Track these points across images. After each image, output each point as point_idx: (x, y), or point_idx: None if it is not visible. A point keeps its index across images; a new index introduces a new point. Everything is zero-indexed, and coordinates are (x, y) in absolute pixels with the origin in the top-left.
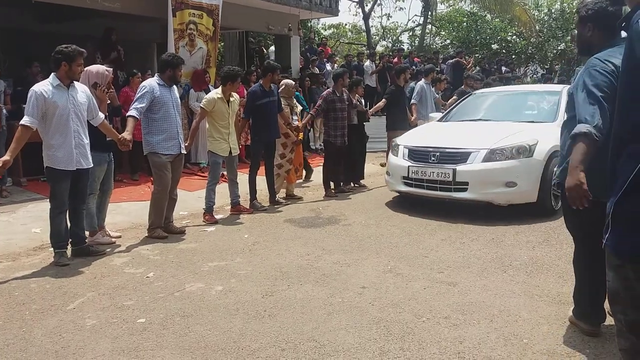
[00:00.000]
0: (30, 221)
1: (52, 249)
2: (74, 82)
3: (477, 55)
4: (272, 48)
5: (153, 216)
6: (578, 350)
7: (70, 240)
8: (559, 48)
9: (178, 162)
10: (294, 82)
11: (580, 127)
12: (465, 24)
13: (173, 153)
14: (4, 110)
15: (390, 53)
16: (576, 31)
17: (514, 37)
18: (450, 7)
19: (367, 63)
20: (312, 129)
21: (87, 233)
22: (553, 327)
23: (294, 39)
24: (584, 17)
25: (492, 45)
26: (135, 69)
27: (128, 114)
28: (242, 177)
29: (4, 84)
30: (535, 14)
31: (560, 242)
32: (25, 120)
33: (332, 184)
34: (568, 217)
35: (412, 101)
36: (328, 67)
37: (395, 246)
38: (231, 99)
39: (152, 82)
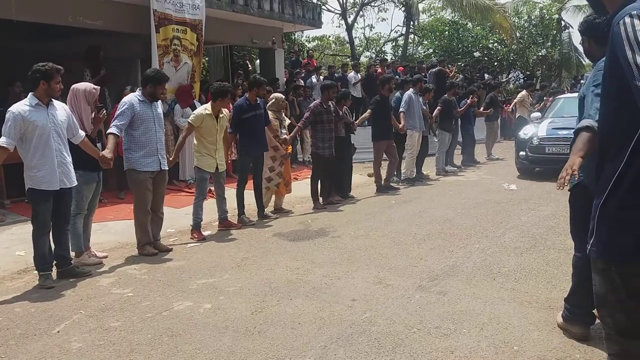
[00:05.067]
0: (14, 244)
1: (36, 271)
2: (53, 100)
3: (459, 63)
4: (258, 62)
5: (139, 233)
6: (568, 355)
7: (55, 262)
8: (540, 54)
9: (161, 178)
10: (283, 96)
11: (584, 122)
12: (447, 32)
13: (152, 170)
14: None
15: (374, 63)
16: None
17: (496, 44)
18: (432, 17)
19: (351, 74)
20: (299, 141)
21: (73, 254)
22: (543, 332)
23: (278, 52)
24: (580, 32)
25: (474, 53)
26: (119, 85)
27: (108, 131)
28: (230, 192)
29: None
30: (516, 20)
31: (548, 247)
32: (1, 141)
33: (320, 196)
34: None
35: (401, 110)
36: (314, 79)
37: (384, 257)
38: (220, 115)
39: (132, 98)
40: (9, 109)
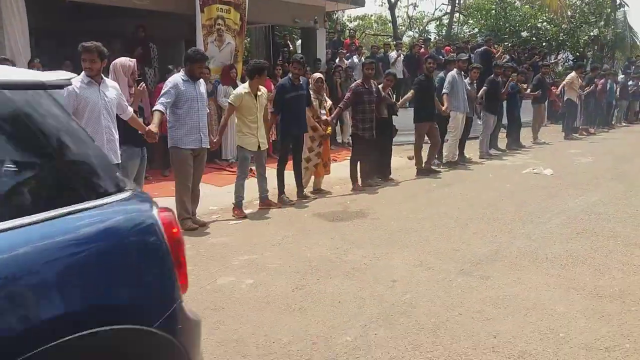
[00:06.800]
0: None
1: None
2: (104, 78)
3: (506, 43)
4: (300, 42)
5: (179, 208)
6: (617, 345)
7: None
8: (592, 34)
9: (201, 157)
10: (318, 75)
11: None
12: (493, 11)
13: (195, 147)
14: None
15: (417, 42)
16: None
17: (545, 23)
18: None
19: (393, 54)
20: (339, 123)
21: None
22: (591, 320)
23: (320, 32)
24: None
25: (522, 33)
26: (165, 66)
27: (154, 108)
28: (271, 172)
29: None
30: None
31: (596, 234)
32: None
33: (359, 177)
34: None
35: (444, 91)
36: (355, 59)
37: (425, 240)
38: (259, 93)
39: (176, 78)
40: None
